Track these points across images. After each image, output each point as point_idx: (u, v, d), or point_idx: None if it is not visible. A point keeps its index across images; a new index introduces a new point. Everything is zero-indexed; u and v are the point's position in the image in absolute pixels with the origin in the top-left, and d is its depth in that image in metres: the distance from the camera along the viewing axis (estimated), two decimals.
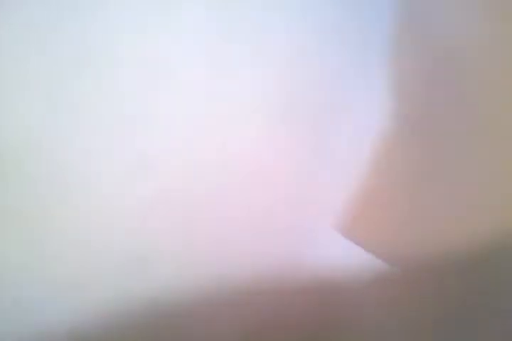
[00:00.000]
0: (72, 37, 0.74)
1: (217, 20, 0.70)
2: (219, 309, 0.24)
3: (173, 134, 0.79)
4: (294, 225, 0.80)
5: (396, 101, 0.46)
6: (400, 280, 0.24)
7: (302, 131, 0.80)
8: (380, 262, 0.25)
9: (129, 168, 0.76)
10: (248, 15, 0.70)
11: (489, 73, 0.45)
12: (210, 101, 0.82)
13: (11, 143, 0.75)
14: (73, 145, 0.75)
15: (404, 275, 0.25)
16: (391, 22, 0.66)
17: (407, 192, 0.39)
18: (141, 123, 0.77)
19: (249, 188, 0.82)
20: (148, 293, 0.25)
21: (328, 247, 0.79)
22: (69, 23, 0.75)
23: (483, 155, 0.42)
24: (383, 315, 0.23)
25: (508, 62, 0.45)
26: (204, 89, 0.80)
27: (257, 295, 0.24)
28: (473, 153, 0.41)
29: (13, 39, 0.76)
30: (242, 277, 0.25)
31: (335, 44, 0.73)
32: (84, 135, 0.77)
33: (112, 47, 0.76)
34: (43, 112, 0.76)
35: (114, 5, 0.62)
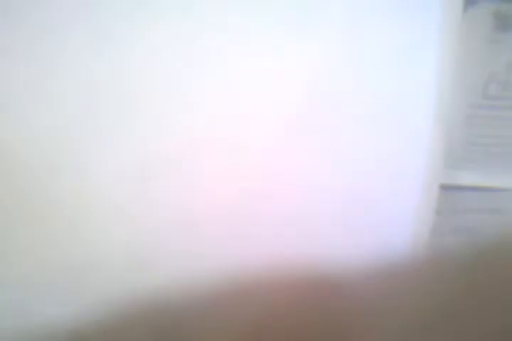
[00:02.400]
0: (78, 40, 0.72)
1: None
2: (219, 308, 0.25)
3: (174, 135, 0.75)
4: (294, 226, 0.78)
5: None
6: (401, 279, 0.25)
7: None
8: (380, 260, 0.26)
9: (130, 168, 0.73)
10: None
11: None
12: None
13: (19, 142, 0.72)
14: (77, 146, 0.72)
15: (405, 273, 0.26)
16: None
17: None
18: (146, 124, 0.73)
19: (250, 189, 0.79)
20: (149, 293, 0.25)
21: (328, 246, 0.77)
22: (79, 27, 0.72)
23: None
24: (384, 313, 0.24)
25: None
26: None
27: (258, 295, 0.25)
28: None
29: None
30: (242, 277, 0.25)
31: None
32: (86, 136, 0.73)
33: (116, 46, 0.72)
34: (47, 114, 0.73)
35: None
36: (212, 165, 0.77)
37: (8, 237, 0.75)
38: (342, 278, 0.25)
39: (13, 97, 0.73)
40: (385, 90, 0.78)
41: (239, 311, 0.24)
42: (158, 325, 0.24)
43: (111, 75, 0.76)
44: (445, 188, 0.80)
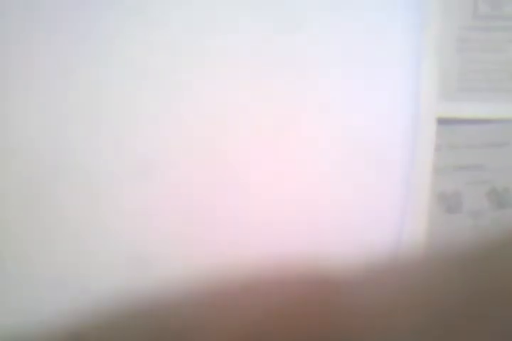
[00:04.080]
0: (77, 39, 0.75)
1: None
2: (219, 308, 0.25)
3: (175, 135, 0.75)
4: (293, 225, 0.78)
5: None
6: (401, 278, 0.25)
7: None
8: (380, 259, 0.26)
9: (131, 168, 0.73)
10: None
11: None
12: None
13: (16, 143, 0.72)
14: (77, 146, 0.73)
15: (404, 273, 0.25)
16: None
17: None
18: (143, 124, 0.73)
19: (249, 189, 0.78)
20: (149, 293, 0.25)
21: (328, 246, 0.77)
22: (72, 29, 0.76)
23: None
24: (385, 312, 0.24)
25: None
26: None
27: (257, 295, 0.25)
28: None
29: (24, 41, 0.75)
30: (242, 277, 0.25)
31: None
32: (88, 136, 0.73)
33: (109, 48, 0.76)
34: (48, 114, 0.74)
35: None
36: (210, 165, 0.78)
37: (9, 236, 0.76)
38: (342, 278, 0.25)
39: (14, 97, 0.74)
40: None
41: (238, 311, 0.24)
42: (158, 324, 0.24)
43: (112, 76, 0.77)
44: (443, 122, 0.73)
